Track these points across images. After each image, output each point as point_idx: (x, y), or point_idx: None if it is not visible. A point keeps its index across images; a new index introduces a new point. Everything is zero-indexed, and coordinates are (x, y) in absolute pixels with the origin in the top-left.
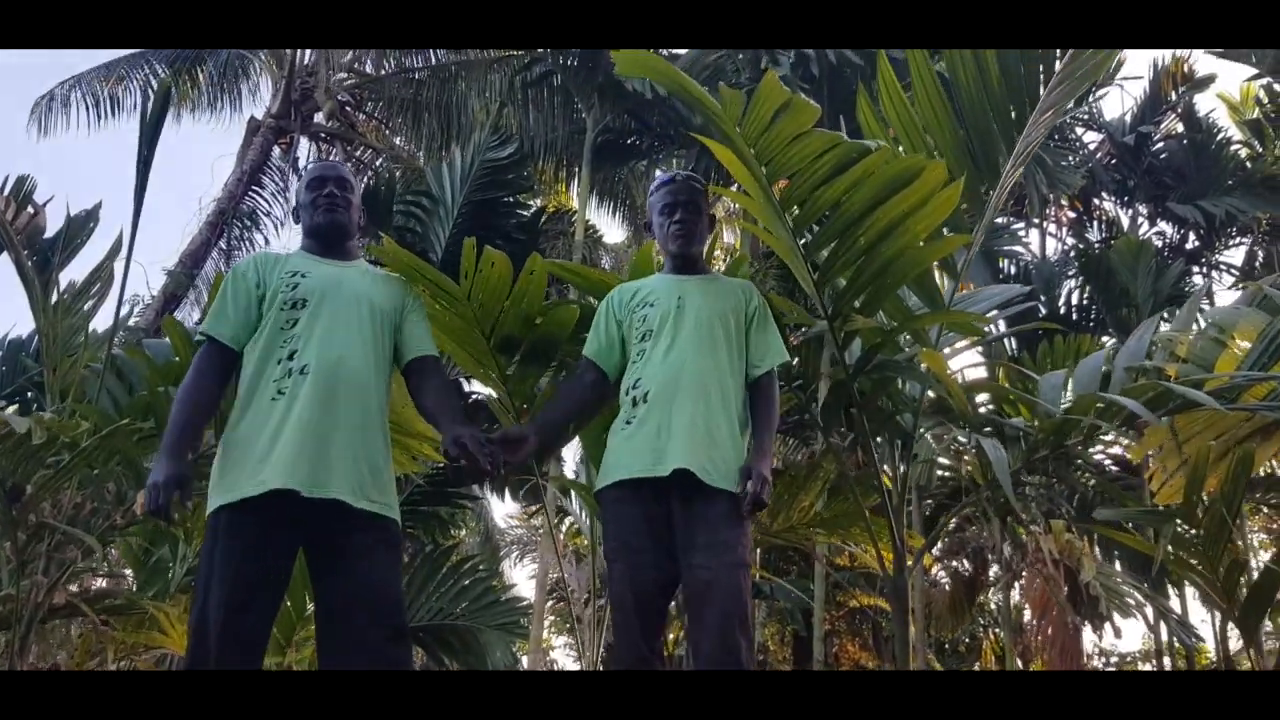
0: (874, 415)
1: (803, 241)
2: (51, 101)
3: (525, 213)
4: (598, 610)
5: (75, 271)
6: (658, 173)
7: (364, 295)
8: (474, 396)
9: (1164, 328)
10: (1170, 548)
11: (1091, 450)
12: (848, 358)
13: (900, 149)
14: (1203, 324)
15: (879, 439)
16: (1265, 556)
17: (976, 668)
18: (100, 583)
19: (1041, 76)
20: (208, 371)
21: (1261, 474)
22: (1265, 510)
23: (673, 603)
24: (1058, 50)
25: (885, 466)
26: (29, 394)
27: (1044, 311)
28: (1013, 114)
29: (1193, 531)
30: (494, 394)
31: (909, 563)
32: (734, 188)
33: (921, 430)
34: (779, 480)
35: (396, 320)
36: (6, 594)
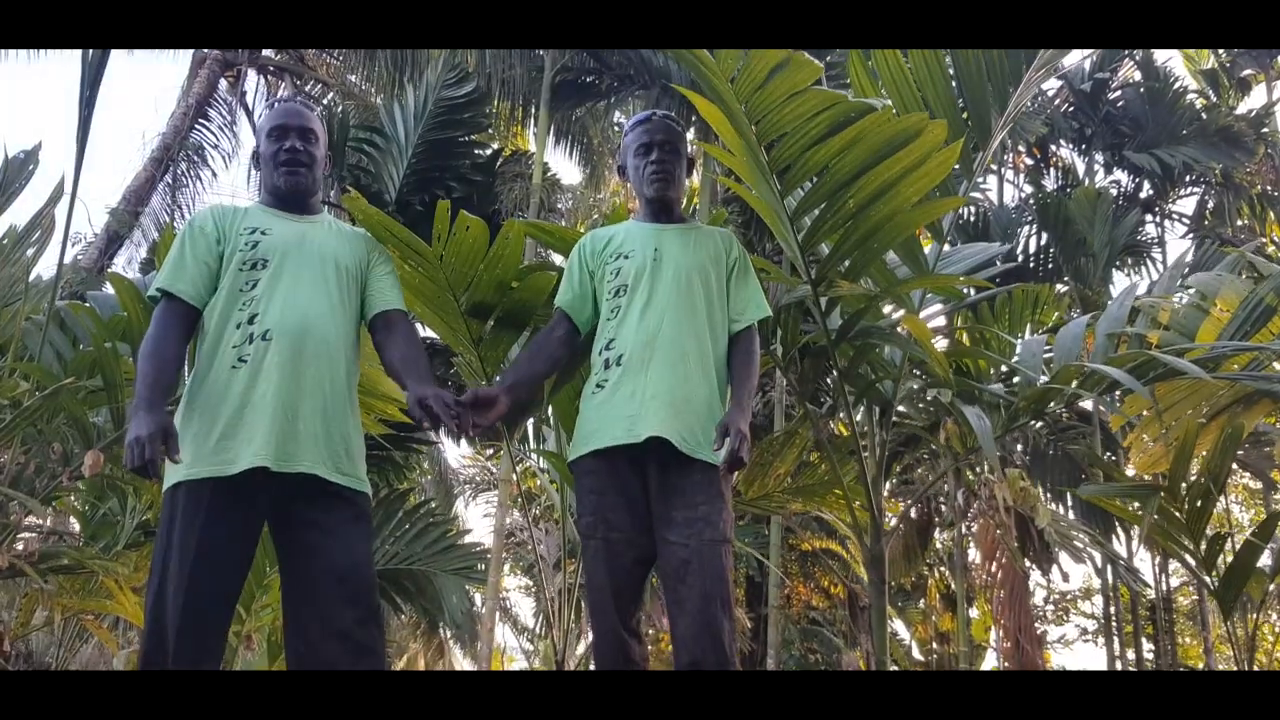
0: (854, 382)
1: (788, 203)
2: None
3: (482, 153)
4: (568, 578)
5: (14, 217)
6: (618, 114)
7: (329, 254)
8: (430, 342)
9: (1118, 276)
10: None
11: None
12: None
13: (891, 105)
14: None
15: (859, 406)
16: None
17: (921, 605)
18: (46, 539)
19: None
20: (171, 328)
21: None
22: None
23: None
24: None
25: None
26: None
27: (1001, 261)
28: (1009, 71)
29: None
30: (464, 357)
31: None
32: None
33: (900, 395)
34: (754, 447)
35: (363, 278)
36: None
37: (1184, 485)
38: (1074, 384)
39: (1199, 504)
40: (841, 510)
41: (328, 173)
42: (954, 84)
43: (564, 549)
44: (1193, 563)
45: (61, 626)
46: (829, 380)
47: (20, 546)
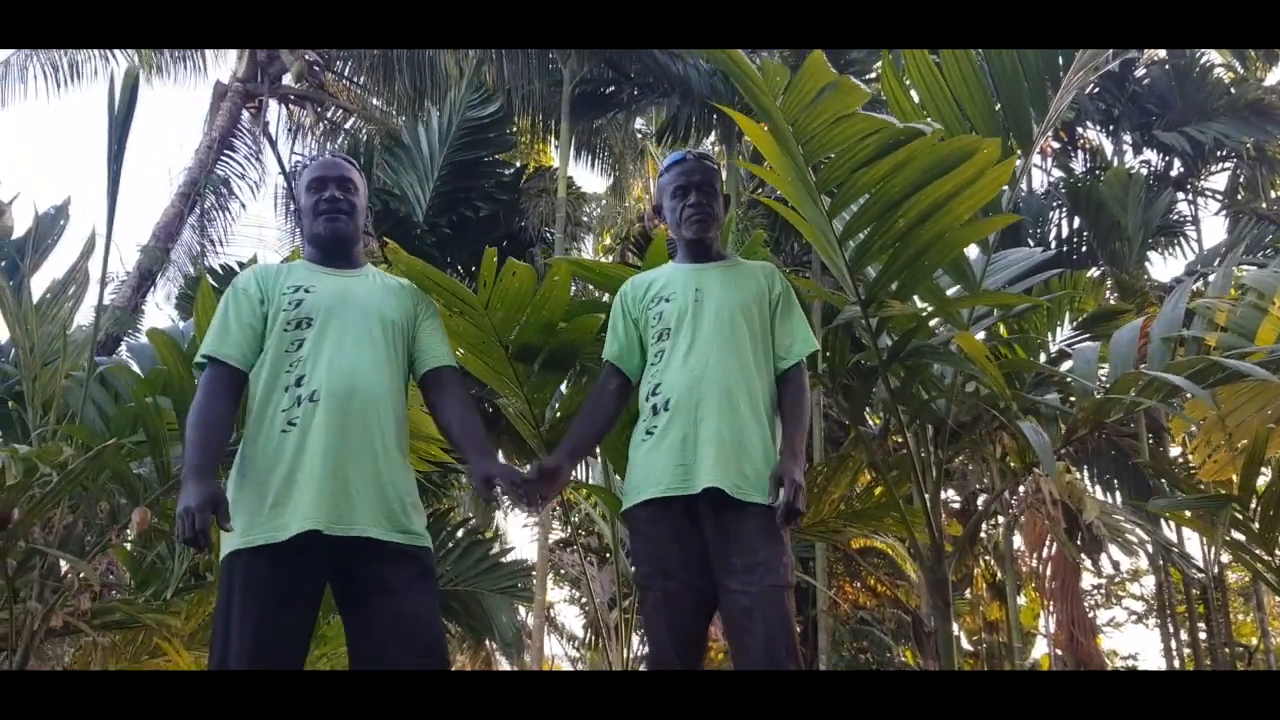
0: (908, 402)
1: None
2: (7, 70)
3: (506, 172)
4: (623, 614)
5: (50, 273)
6: (639, 122)
7: (374, 308)
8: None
9: (1155, 257)
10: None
11: None
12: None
13: (929, 118)
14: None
15: (912, 427)
16: None
17: (968, 595)
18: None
19: None
20: (219, 394)
21: None
22: None
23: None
24: None
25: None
26: (9, 404)
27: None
28: (1046, 70)
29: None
30: (511, 401)
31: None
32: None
33: (954, 413)
34: (806, 474)
35: (410, 331)
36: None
37: (1255, 494)
38: (1133, 392)
39: (1271, 514)
40: (900, 532)
41: (368, 225)
42: (990, 81)
43: (617, 582)
44: (1269, 575)
45: None
46: (872, 395)
47: (75, 594)
